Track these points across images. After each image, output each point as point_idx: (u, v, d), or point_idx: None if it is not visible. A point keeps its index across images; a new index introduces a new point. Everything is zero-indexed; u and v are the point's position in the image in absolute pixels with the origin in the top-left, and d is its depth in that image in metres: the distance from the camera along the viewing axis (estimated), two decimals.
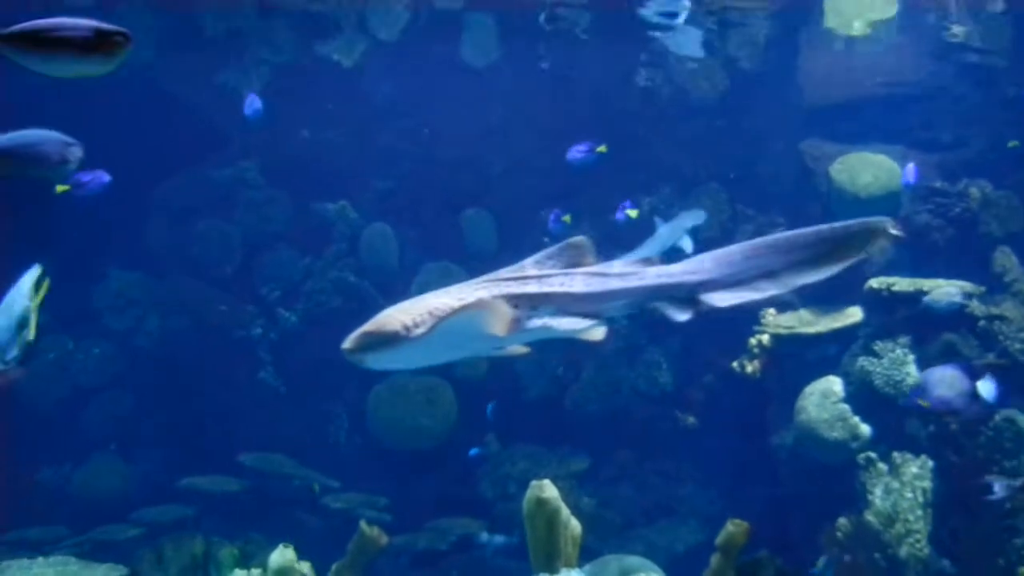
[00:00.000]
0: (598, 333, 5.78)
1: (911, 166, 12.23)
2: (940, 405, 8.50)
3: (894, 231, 5.67)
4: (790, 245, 5.61)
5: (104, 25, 5.76)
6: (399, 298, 5.95)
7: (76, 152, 8.60)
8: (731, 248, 5.70)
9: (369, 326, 5.62)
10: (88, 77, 5.89)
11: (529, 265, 5.90)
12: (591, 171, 12.81)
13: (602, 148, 12.48)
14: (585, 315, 5.74)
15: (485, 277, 5.80)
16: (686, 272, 5.72)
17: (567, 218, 13.22)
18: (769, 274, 5.62)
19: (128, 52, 5.80)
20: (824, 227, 5.55)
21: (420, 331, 5.48)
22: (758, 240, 5.70)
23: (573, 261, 5.88)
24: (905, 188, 12.40)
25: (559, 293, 5.70)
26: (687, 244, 12.08)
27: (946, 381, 8.52)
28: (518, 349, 6.07)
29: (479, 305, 5.44)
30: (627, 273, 5.78)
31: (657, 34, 14.54)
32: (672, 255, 12.29)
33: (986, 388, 8.46)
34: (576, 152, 12.67)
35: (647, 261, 5.89)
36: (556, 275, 5.77)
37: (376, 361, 5.66)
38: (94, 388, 14.17)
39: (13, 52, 5.82)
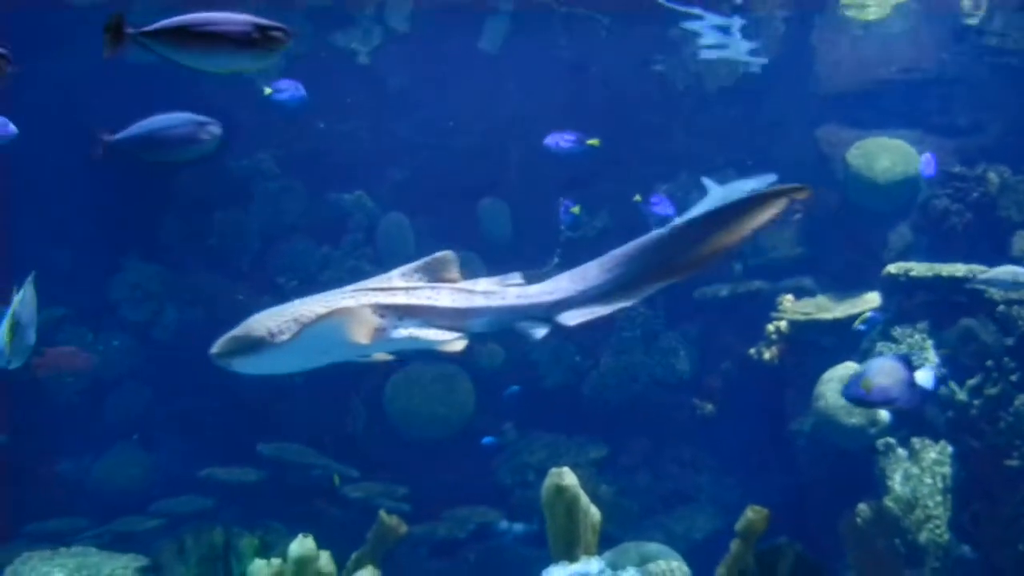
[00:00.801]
0: (459, 346, 5.95)
1: (929, 157, 12.14)
2: (879, 395, 8.65)
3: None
4: (642, 252, 5.73)
5: (262, 20, 5.75)
6: None
7: (213, 130, 8.67)
8: (589, 264, 5.87)
9: (236, 331, 5.84)
10: (244, 73, 5.92)
11: (396, 277, 6.10)
12: (575, 162, 12.79)
13: (593, 141, 12.41)
14: (449, 328, 5.95)
15: (354, 286, 6.02)
16: (544, 292, 5.93)
17: (576, 209, 13.22)
18: (623, 286, 5.77)
19: (287, 47, 5.81)
20: (677, 226, 5.68)
21: (284, 337, 5.68)
22: (614, 251, 5.82)
23: (439, 275, 6.11)
24: (924, 178, 12.32)
25: (425, 306, 5.92)
26: None
27: (885, 371, 8.66)
28: (383, 356, 6.29)
29: (342, 313, 5.61)
30: (491, 292, 6.01)
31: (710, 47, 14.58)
32: None
33: (924, 377, 8.61)
34: (562, 141, 12.58)
35: (510, 280, 6.08)
36: (423, 288, 6.00)
37: (243, 365, 5.86)
38: (114, 380, 14.21)
39: (166, 48, 5.78)
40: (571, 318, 5.86)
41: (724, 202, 12.29)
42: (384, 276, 6.15)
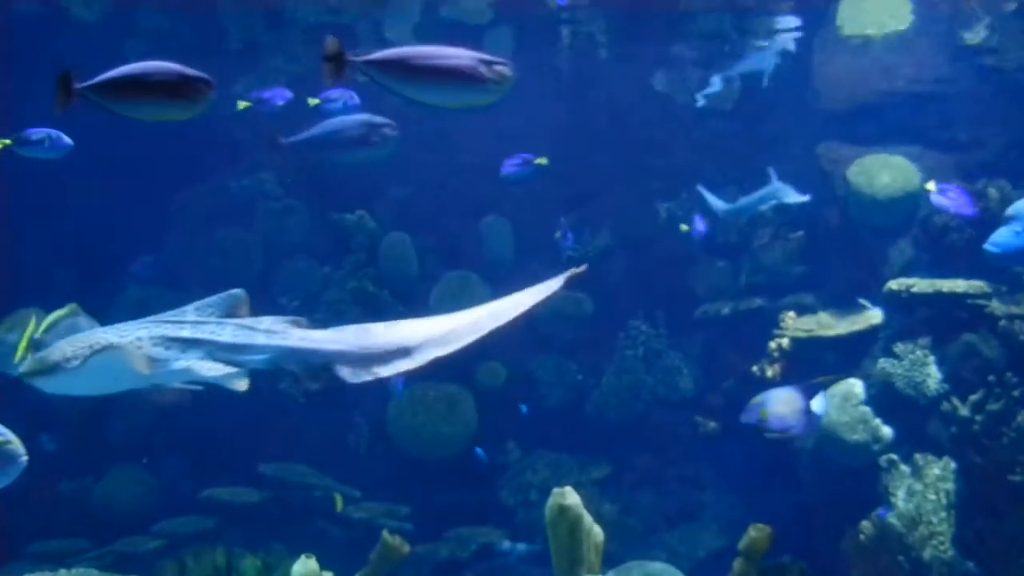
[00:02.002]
0: (240, 384, 6.06)
1: (953, 195, 11.77)
2: (777, 423, 8.76)
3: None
4: (425, 326, 5.94)
5: (486, 55, 5.78)
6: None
7: (386, 132, 8.71)
8: (376, 324, 6.07)
9: (42, 352, 6.04)
10: (472, 108, 5.95)
11: (191, 310, 6.30)
12: (528, 184, 12.82)
13: (541, 160, 12.41)
14: (231, 363, 6.06)
15: (152, 318, 6.19)
16: (327, 340, 6.04)
17: (558, 234, 13.31)
18: (405, 350, 5.89)
19: (513, 81, 5.83)
20: (469, 312, 5.91)
21: (75, 363, 5.86)
22: (401, 320, 6.06)
23: (230, 311, 6.31)
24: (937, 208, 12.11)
25: (207, 340, 6.07)
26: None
27: (782, 400, 8.77)
28: (181, 385, 6.37)
29: (117, 344, 5.84)
30: (274, 331, 6.13)
31: None
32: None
33: (819, 405, 8.70)
34: (509, 166, 12.61)
35: (296, 322, 6.21)
36: (209, 323, 6.17)
37: (47, 385, 6.03)
38: (116, 399, 14.19)
39: (388, 79, 5.80)
40: (352, 375, 5.94)
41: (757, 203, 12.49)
42: (180, 309, 6.31)
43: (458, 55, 5.77)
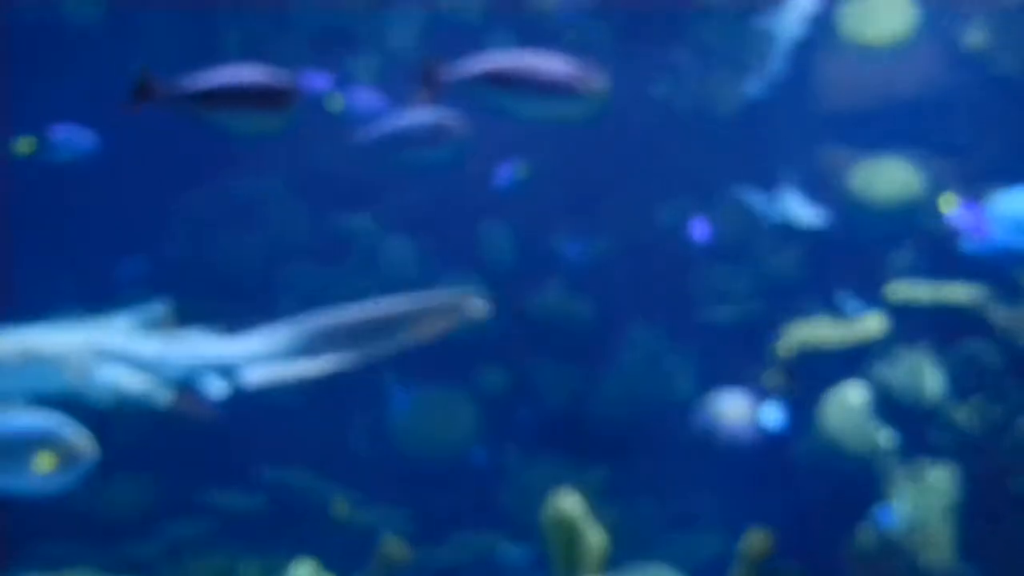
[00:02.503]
0: (163, 397, 6.22)
1: (971, 214, 11.60)
2: (725, 427, 8.70)
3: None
4: (328, 327, 6.03)
5: (576, 67, 5.69)
6: None
7: (453, 133, 8.58)
8: (281, 324, 6.13)
9: None
10: (560, 121, 5.90)
11: (122, 320, 6.33)
12: (517, 191, 12.82)
13: (523, 169, 12.40)
14: (155, 376, 6.15)
15: (82, 326, 6.25)
16: (235, 344, 6.14)
17: (556, 239, 13.39)
18: (308, 351, 5.97)
19: (606, 95, 5.70)
20: (371, 313, 6.05)
21: (11, 362, 5.92)
22: (309, 317, 6.11)
23: (156, 323, 6.33)
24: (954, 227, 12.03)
25: (134, 353, 6.17)
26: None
27: (733, 404, 8.69)
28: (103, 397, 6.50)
29: (50, 352, 5.93)
30: (192, 341, 6.24)
31: None
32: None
33: (769, 415, 8.54)
34: (499, 177, 12.61)
35: (218, 330, 6.30)
36: (136, 335, 6.23)
37: None
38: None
39: (486, 91, 5.73)
40: (254, 375, 6.05)
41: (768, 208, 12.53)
42: (108, 319, 6.34)
43: (554, 66, 5.64)
